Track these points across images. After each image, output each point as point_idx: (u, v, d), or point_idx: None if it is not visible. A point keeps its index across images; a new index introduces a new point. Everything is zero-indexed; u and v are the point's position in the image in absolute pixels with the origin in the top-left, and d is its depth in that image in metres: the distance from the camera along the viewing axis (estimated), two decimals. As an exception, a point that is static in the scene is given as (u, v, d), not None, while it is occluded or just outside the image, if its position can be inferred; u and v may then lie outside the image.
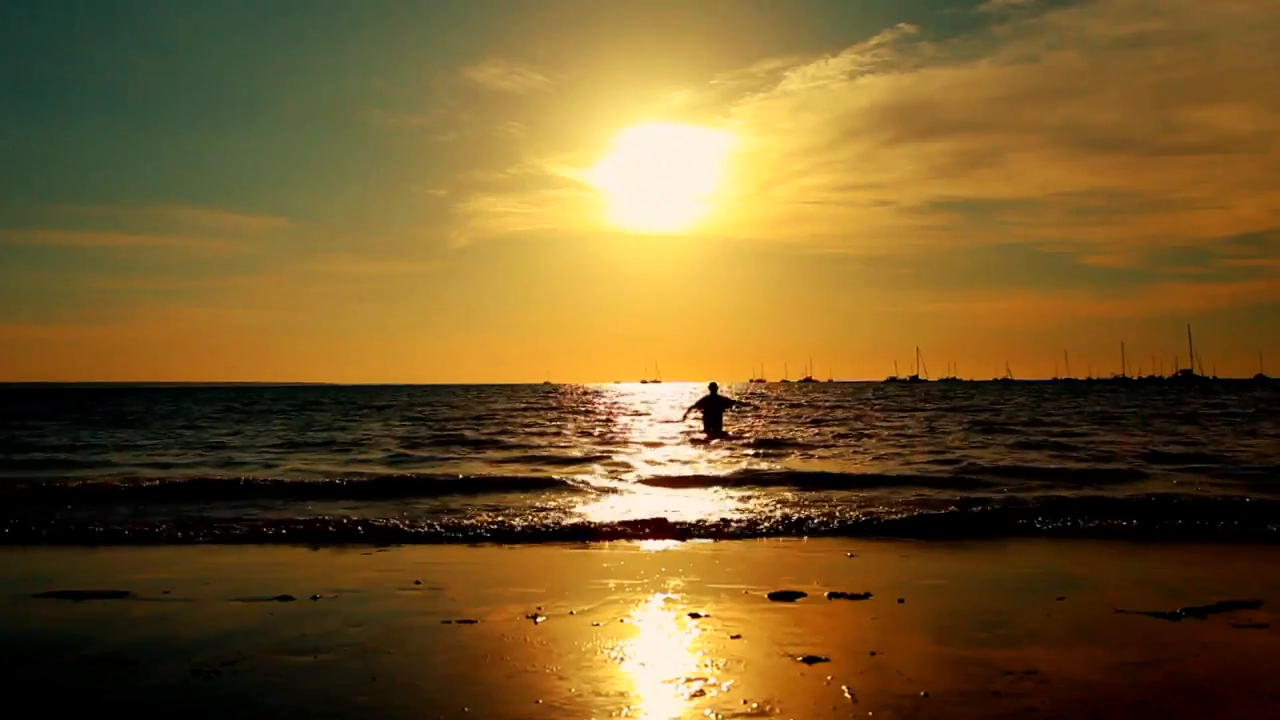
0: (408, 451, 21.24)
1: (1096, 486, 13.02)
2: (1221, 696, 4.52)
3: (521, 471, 16.35)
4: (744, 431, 24.42)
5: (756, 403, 23.04)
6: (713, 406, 22.50)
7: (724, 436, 21.91)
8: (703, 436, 21.99)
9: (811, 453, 19.60)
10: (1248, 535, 9.58)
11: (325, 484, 14.15)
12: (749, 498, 12.36)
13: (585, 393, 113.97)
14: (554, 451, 20.79)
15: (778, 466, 16.23)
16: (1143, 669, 4.95)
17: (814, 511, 10.69)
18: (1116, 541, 9.36)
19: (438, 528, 10.04)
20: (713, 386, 22.73)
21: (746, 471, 15.11)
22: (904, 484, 13.71)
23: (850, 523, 10.08)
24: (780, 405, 46.26)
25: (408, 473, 16.01)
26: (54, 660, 5.32)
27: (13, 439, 26.89)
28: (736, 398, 25.23)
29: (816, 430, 27.19)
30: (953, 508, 10.75)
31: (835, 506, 11.18)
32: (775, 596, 6.78)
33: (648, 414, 41.91)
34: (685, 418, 25.94)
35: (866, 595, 6.78)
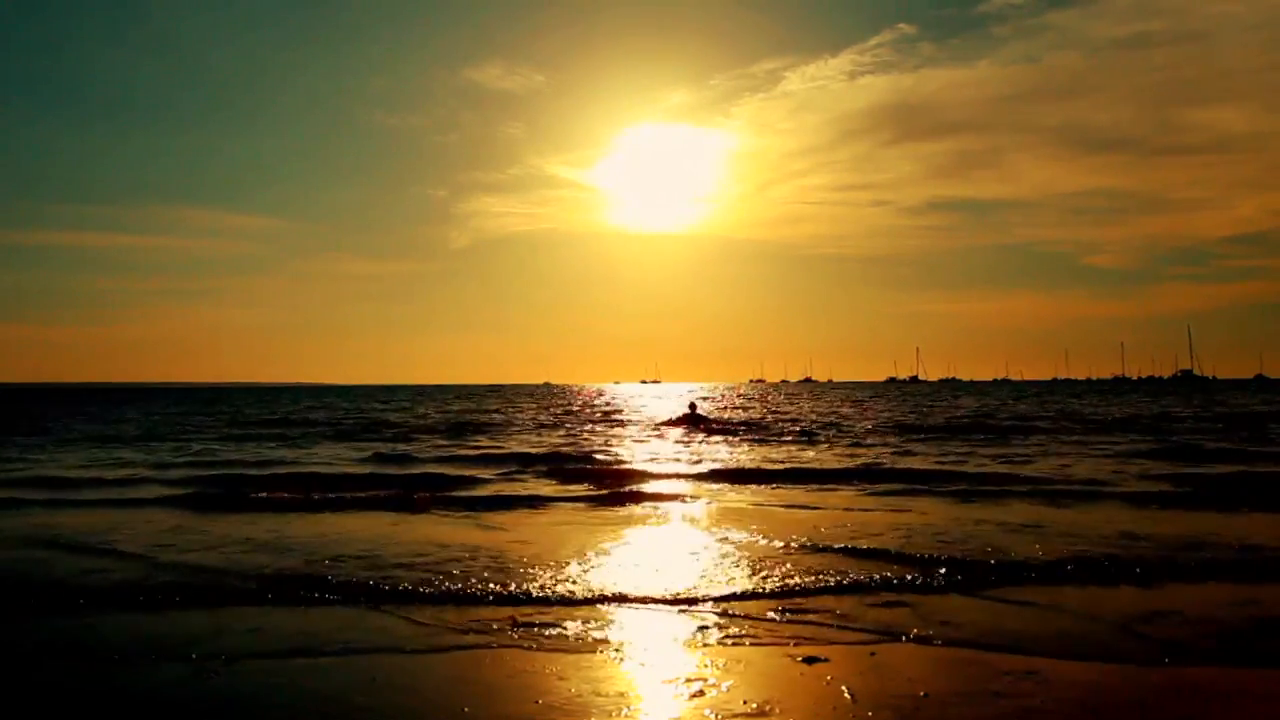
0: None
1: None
2: (1221, 696, 4.52)
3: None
4: (712, 425, 31.26)
5: (714, 423, 30.22)
6: (692, 419, 32.07)
7: (702, 430, 29.59)
8: (681, 431, 29.20)
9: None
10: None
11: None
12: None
13: (557, 393, 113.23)
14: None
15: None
16: (1143, 669, 4.95)
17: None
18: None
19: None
20: (692, 406, 33.96)
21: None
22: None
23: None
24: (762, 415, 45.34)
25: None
26: (55, 660, 5.33)
27: None
28: (705, 415, 34.46)
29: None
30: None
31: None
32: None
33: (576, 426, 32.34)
34: (671, 424, 32.74)
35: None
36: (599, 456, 19.36)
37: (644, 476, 15.44)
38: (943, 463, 17.49)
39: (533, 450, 21.09)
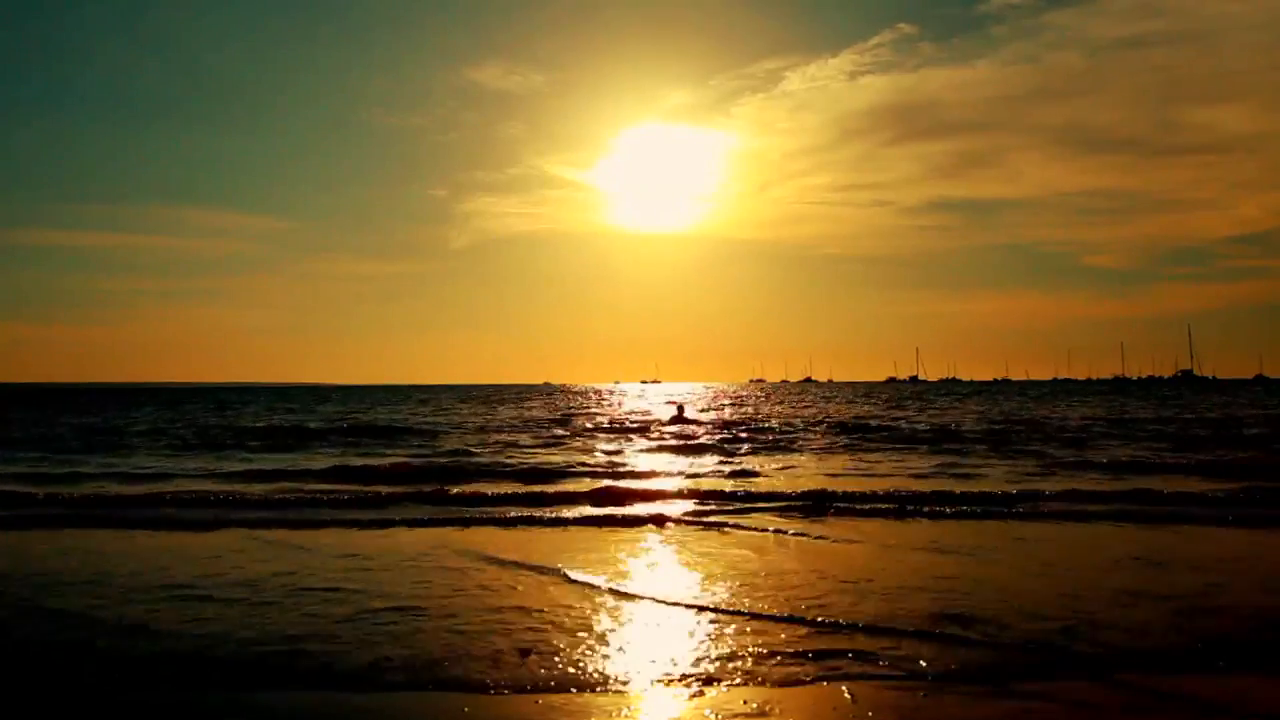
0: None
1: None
2: (1220, 698, 4.53)
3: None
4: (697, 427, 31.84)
5: (697, 428, 30.82)
6: (680, 421, 34.42)
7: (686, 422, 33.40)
8: (674, 427, 31.23)
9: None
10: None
11: None
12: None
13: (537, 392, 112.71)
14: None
15: None
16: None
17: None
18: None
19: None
20: (680, 409, 36.89)
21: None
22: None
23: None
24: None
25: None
26: (53, 659, 5.33)
27: None
28: (692, 417, 36.93)
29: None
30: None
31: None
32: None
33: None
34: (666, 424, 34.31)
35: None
36: (492, 471, 16.84)
37: (499, 499, 12.74)
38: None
39: (415, 459, 18.96)
